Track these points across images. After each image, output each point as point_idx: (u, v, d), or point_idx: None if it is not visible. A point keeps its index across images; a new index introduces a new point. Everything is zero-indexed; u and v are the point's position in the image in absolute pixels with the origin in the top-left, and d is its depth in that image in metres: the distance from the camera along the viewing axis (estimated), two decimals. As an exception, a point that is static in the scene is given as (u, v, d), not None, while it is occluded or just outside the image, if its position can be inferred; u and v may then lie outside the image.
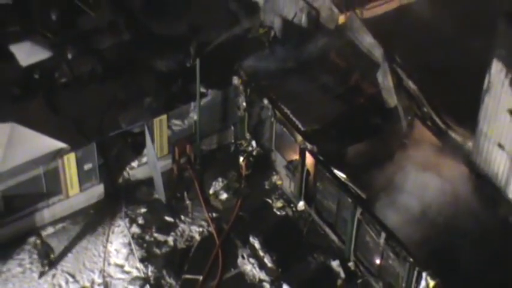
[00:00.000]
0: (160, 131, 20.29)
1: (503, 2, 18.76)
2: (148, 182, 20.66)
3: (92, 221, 19.96)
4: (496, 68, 17.94)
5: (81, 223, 19.92)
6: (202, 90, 20.63)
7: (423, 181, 18.75)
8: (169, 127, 20.45)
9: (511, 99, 17.77)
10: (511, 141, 18.04)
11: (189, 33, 22.72)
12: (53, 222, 19.80)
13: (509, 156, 18.15)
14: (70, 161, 19.22)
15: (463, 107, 19.24)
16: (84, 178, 19.76)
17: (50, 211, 19.78)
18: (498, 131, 18.23)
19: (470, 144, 19.07)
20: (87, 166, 19.60)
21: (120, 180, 20.61)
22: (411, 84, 19.94)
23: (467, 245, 17.82)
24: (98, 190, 20.23)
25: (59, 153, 19.22)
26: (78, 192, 19.93)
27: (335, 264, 19.26)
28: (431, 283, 17.15)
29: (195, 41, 22.13)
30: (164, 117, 20.18)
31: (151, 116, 20.16)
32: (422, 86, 19.89)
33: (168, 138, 20.52)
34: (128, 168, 20.67)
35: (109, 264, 19.21)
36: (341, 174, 18.99)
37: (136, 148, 20.69)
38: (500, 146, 18.25)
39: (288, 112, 20.15)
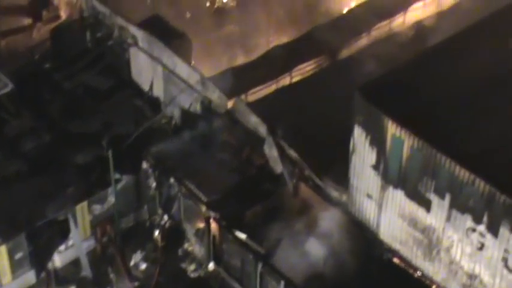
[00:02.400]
0: (82, 216, 20.41)
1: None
2: (76, 262, 20.58)
3: (27, 303, 19.67)
4: (357, 132, 19.05)
5: (16, 306, 19.64)
6: (117, 176, 20.92)
7: (312, 231, 19.41)
8: (90, 211, 20.60)
9: (373, 157, 18.87)
10: (377, 191, 19.00)
11: (102, 129, 22.90)
12: (-10, 309, 19.49)
13: (377, 203, 19.09)
14: (1, 252, 19.01)
15: (337, 167, 20.11)
16: (16, 266, 19.49)
17: (-15, 299, 19.46)
18: (365, 184, 19.23)
19: (345, 197, 19.90)
20: (18, 255, 19.39)
21: (50, 263, 20.45)
22: (292, 153, 20.70)
23: (353, 280, 18.49)
24: (30, 276, 20.02)
25: (-10, 247, 18.99)
26: (11, 281, 19.62)
27: (245, 312, 19.56)
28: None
29: (106, 135, 22.31)
30: (85, 203, 20.36)
31: (74, 204, 20.30)
32: (302, 153, 20.72)
33: (90, 221, 20.64)
34: (56, 252, 20.55)
35: (45, 338, 19.04)
36: (242, 235, 19.48)
37: (63, 233, 20.59)
38: (369, 196, 19.23)
39: (192, 187, 20.61)
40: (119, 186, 20.86)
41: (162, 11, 25.57)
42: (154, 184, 21.35)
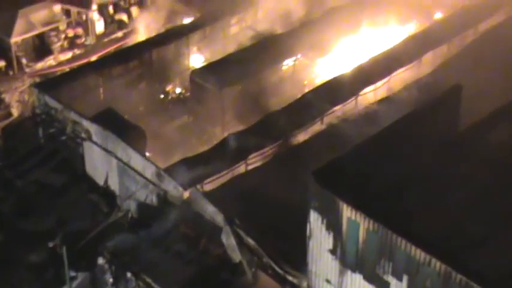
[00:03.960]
0: (36, 317, 20.25)
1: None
2: None
3: None
4: (314, 216, 19.47)
5: None
6: (72, 274, 20.93)
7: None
8: (44, 312, 20.53)
9: (330, 241, 19.23)
10: (335, 275, 19.27)
11: (56, 226, 22.97)
12: None
13: (337, 288, 19.39)
14: None
15: (296, 254, 20.42)
16: None
17: None
18: (324, 268, 19.52)
19: (305, 283, 20.11)
20: None
21: None
22: (250, 241, 21.03)
23: None
24: None
25: None
26: None
27: None
28: None
29: (61, 232, 22.35)
30: (39, 304, 20.29)
31: (28, 305, 20.21)
32: (260, 241, 21.04)
33: (45, 322, 20.54)
34: None
35: None
36: (202, 328, 19.60)
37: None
38: (328, 281, 19.49)
39: (150, 280, 20.69)
40: (74, 284, 20.94)
41: (115, 104, 26.12)
42: (111, 280, 21.35)
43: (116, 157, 23.86)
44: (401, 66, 28.06)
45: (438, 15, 33.53)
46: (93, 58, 32.35)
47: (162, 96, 29.87)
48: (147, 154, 24.63)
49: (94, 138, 24.44)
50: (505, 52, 28.04)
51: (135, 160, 23.53)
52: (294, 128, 25.09)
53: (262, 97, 27.77)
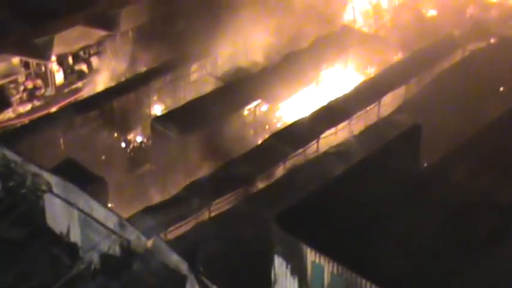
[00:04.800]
0: None
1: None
2: None
3: None
4: (278, 262, 19.52)
5: None
6: (34, 330, 20.66)
7: None
8: None
9: (295, 286, 19.26)
10: (305, 320, 19.28)
11: (16, 282, 22.61)
12: None
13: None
14: None
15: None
16: None
17: None
18: (291, 314, 19.50)
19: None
20: None
21: None
22: (215, 288, 20.99)
23: None
24: None
25: None
26: None
27: None
28: None
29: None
30: None
31: None
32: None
33: None
34: None
35: None
36: None
37: None
38: (295, 326, 19.48)
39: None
40: None
41: (76, 155, 26.04)
42: (74, 334, 21.10)
43: (78, 208, 23.66)
44: (361, 108, 28.53)
45: (396, 57, 34.30)
46: (53, 109, 32.31)
47: (123, 145, 29.88)
48: (111, 204, 24.48)
49: (55, 190, 24.25)
50: (462, 91, 28.74)
51: (97, 211, 23.36)
52: (256, 173, 25.25)
53: (224, 143, 27.97)
